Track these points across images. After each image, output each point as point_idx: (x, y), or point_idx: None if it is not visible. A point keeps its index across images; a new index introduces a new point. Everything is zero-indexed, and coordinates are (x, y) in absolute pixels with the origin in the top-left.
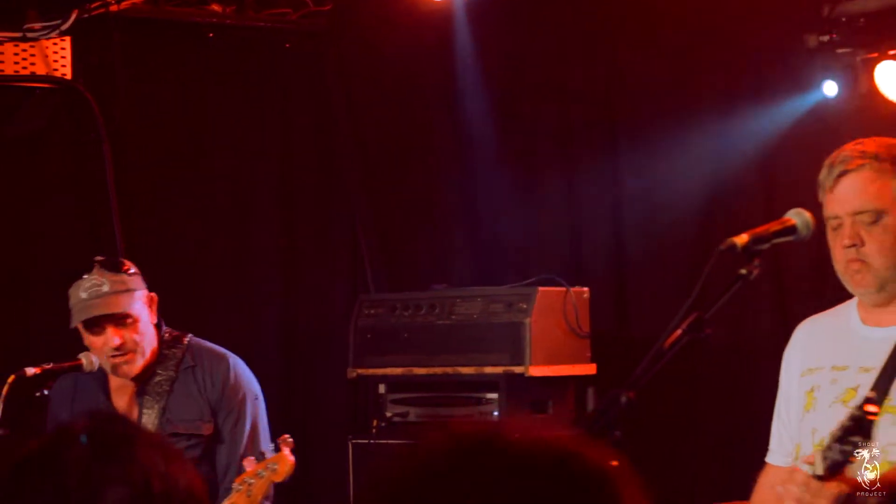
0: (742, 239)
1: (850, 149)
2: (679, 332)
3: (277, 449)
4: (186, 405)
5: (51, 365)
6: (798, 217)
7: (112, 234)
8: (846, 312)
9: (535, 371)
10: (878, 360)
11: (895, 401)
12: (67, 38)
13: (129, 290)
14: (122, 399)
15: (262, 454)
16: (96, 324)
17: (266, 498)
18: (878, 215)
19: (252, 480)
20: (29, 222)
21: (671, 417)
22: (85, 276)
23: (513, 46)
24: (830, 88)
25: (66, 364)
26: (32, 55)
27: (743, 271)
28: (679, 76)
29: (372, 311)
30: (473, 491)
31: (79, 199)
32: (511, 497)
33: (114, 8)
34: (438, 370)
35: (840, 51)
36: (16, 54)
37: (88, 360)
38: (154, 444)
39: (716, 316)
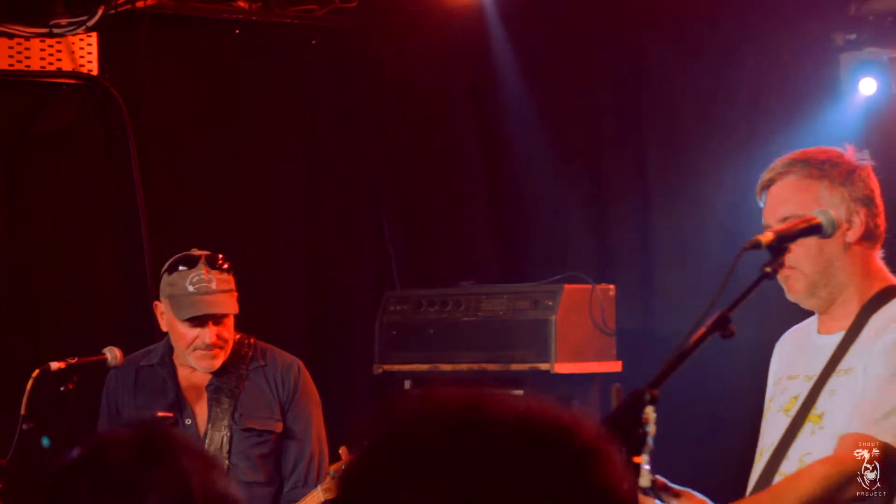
0: (767, 237)
1: (780, 158)
2: (703, 330)
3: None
4: (258, 403)
5: (75, 360)
6: (823, 216)
7: (138, 230)
8: (812, 321)
9: (561, 368)
10: (819, 368)
11: (819, 409)
12: (94, 34)
13: (231, 290)
14: (191, 391)
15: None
16: (200, 319)
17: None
18: None
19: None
20: (55, 218)
21: (697, 416)
22: (181, 268)
23: (541, 41)
24: (868, 87)
25: (91, 359)
26: (59, 51)
27: (768, 269)
28: (706, 73)
29: (398, 308)
30: (457, 458)
31: (105, 195)
32: (489, 467)
33: (140, 4)
34: (464, 367)
35: (867, 49)
36: (42, 50)
37: (113, 355)
38: (194, 452)
39: (741, 314)
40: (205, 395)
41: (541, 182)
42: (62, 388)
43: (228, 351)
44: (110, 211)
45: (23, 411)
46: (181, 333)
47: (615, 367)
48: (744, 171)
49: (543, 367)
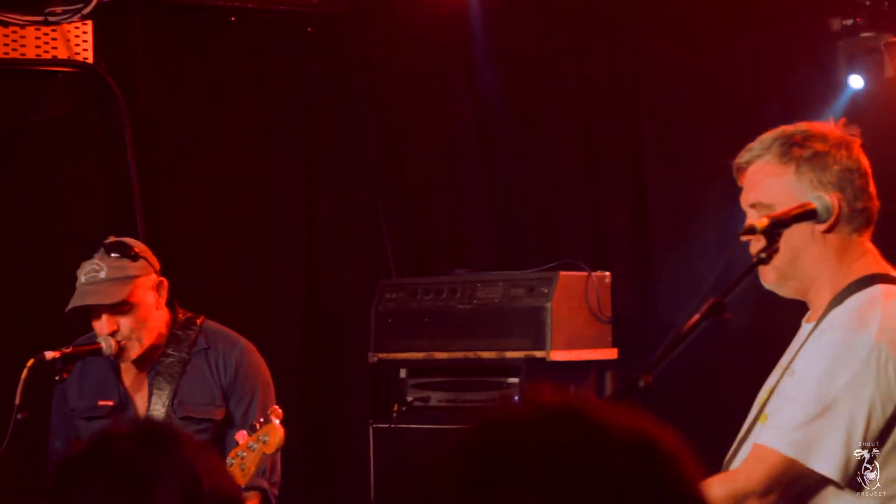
0: (762, 223)
1: (760, 137)
2: (698, 316)
3: (267, 420)
4: (198, 388)
5: (70, 349)
6: (818, 201)
7: (133, 217)
8: None
9: (557, 356)
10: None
11: (768, 408)
12: (89, 22)
13: (128, 277)
14: (131, 379)
15: (254, 427)
16: (91, 309)
17: (262, 471)
18: (767, 209)
19: (244, 454)
20: (50, 207)
21: (694, 404)
22: (93, 257)
23: (538, 27)
24: (856, 81)
25: (86, 348)
26: (54, 39)
27: (763, 255)
28: (704, 60)
29: (393, 296)
30: (556, 462)
31: (101, 183)
32: (592, 474)
33: None
34: (459, 355)
35: (864, 34)
36: (37, 38)
37: (108, 344)
38: (197, 444)
39: (737, 300)
40: (146, 382)
41: (536, 169)
42: (57, 378)
43: (147, 340)
44: (106, 199)
45: (17, 401)
46: (92, 326)
47: (611, 354)
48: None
49: (539, 354)
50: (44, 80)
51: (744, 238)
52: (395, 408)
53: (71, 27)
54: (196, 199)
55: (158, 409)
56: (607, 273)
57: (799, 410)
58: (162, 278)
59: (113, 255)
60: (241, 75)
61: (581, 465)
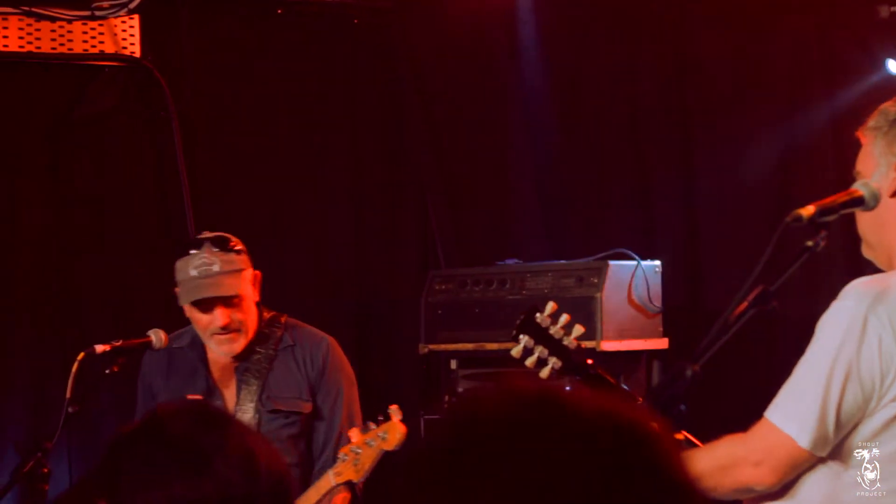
0: (808, 210)
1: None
2: (744, 305)
3: (387, 418)
4: (286, 383)
5: (120, 342)
6: (865, 188)
7: (182, 210)
8: None
9: (607, 346)
10: None
11: None
12: (136, 16)
13: (238, 270)
14: (222, 375)
15: (368, 425)
16: (205, 303)
17: (374, 465)
18: (858, 175)
19: (360, 450)
20: (98, 201)
21: (743, 392)
22: (192, 252)
23: (581, 19)
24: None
25: (136, 341)
26: (101, 34)
27: (809, 243)
28: (750, 47)
29: (443, 287)
30: (529, 445)
31: (148, 177)
32: (566, 458)
33: None
34: (509, 345)
35: None
36: (84, 33)
37: (158, 338)
38: (245, 425)
39: (785, 289)
40: (234, 377)
41: (585, 158)
42: (107, 371)
43: (250, 333)
44: (154, 192)
45: (68, 394)
46: (195, 318)
47: (661, 343)
48: (790, 139)
49: (589, 344)
50: (91, 75)
51: (789, 223)
52: (446, 399)
53: (118, 21)
54: (244, 191)
55: (247, 404)
56: (657, 262)
57: (788, 382)
58: (257, 272)
59: (220, 248)
60: (288, 68)
61: (556, 447)
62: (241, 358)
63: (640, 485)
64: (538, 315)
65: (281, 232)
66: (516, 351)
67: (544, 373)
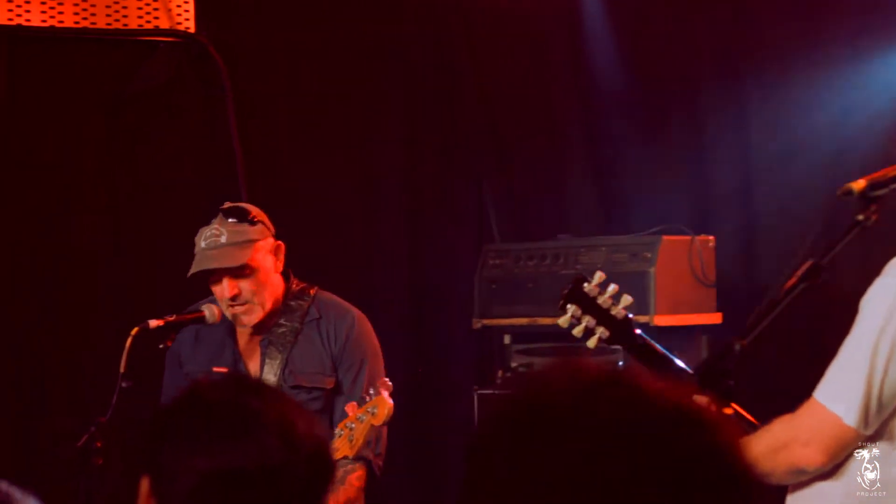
0: (859, 185)
1: None
2: (794, 279)
3: (377, 392)
4: (309, 358)
5: (174, 317)
6: None
7: (237, 187)
8: None
9: (660, 320)
10: None
11: None
12: None
13: (248, 241)
14: (247, 347)
15: (363, 398)
16: (213, 273)
17: (369, 442)
18: None
19: (353, 425)
20: (154, 177)
21: (794, 368)
22: (211, 223)
23: None
24: None
25: (189, 316)
26: (156, 9)
27: (860, 218)
28: (807, 22)
29: (497, 262)
30: (592, 428)
31: (203, 153)
32: (629, 438)
33: None
34: None
35: None
36: (139, 9)
37: (211, 312)
38: (284, 395)
39: (836, 263)
40: (259, 350)
41: (638, 132)
42: (161, 346)
43: (268, 304)
44: (209, 169)
45: (122, 369)
46: (212, 291)
47: (715, 318)
48: (848, 113)
49: (642, 319)
50: (146, 51)
51: (839, 198)
52: (500, 373)
53: None
54: (298, 167)
55: (270, 378)
56: (711, 237)
57: (837, 355)
58: (279, 242)
59: (231, 219)
60: (343, 45)
61: (622, 430)
62: (266, 330)
63: (701, 471)
64: (586, 285)
65: (335, 208)
66: (563, 320)
67: (591, 342)
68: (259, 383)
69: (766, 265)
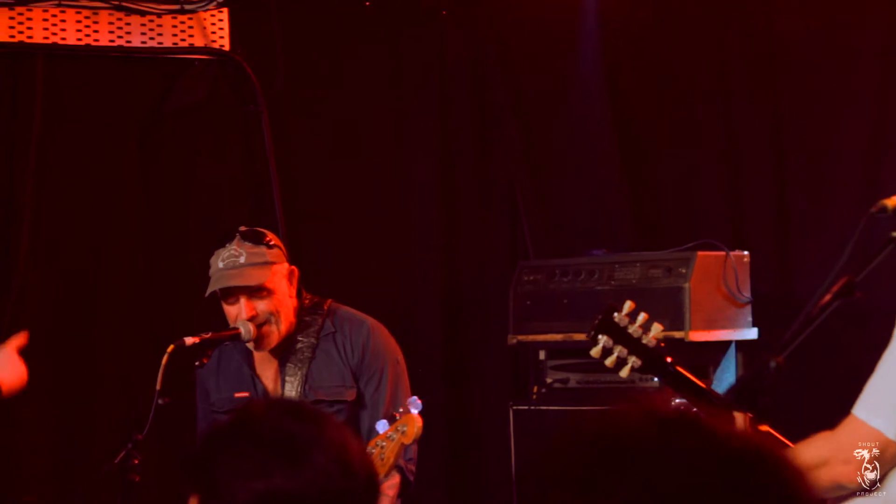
0: (893, 201)
1: None
2: (829, 296)
3: (406, 411)
4: (328, 372)
5: (209, 334)
6: None
7: (272, 204)
8: None
9: (696, 336)
10: None
11: None
12: (225, 10)
13: (266, 263)
14: (265, 369)
15: (394, 416)
16: (230, 294)
17: (399, 459)
18: None
19: (384, 444)
20: (189, 194)
21: (830, 384)
22: (227, 245)
23: (671, 5)
24: None
25: (225, 333)
26: (191, 27)
27: (895, 234)
28: (839, 27)
29: (531, 278)
30: (665, 468)
31: (238, 170)
32: (702, 480)
33: None
34: None
35: None
36: (174, 27)
37: (246, 329)
38: (334, 418)
39: (870, 280)
40: (277, 369)
41: (673, 148)
42: (197, 363)
43: (283, 327)
44: (243, 185)
45: (158, 386)
46: (225, 312)
47: (751, 334)
48: (884, 126)
49: (678, 335)
50: (181, 68)
51: (874, 214)
52: (535, 389)
53: (207, 15)
54: (333, 184)
55: (291, 395)
56: (746, 252)
57: (875, 371)
58: (293, 267)
59: (249, 242)
60: (377, 60)
61: (692, 472)
62: (282, 350)
63: None
64: (616, 315)
65: (370, 224)
66: (595, 351)
67: (624, 372)
68: (312, 409)
69: (802, 280)
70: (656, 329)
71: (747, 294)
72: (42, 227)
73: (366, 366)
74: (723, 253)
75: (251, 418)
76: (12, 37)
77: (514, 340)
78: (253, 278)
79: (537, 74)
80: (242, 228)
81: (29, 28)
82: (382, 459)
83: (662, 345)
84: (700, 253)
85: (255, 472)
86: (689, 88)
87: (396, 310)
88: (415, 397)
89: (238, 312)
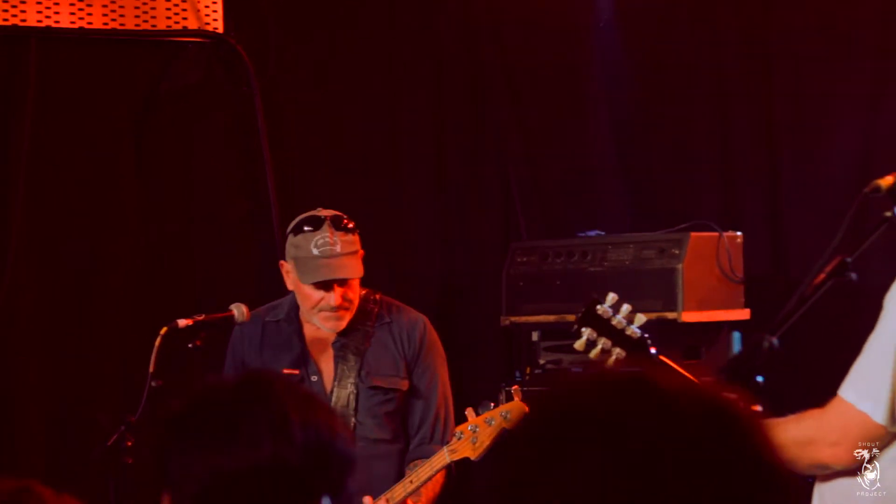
0: (887, 181)
1: None
2: (823, 276)
3: (509, 397)
4: (384, 360)
5: (203, 317)
6: None
7: (265, 187)
8: None
9: (688, 317)
10: None
11: None
12: None
13: (356, 252)
14: (317, 348)
15: (487, 404)
16: (324, 282)
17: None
18: None
19: (477, 427)
20: (183, 176)
21: (823, 364)
22: (307, 229)
23: None
24: None
25: (218, 315)
26: (184, 10)
27: (888, 214)
28: (834, 10)
29: (524, 259)
30: (625, 431)
31: (232, 153)
32: (661, 439)
33: None
34: None
35: None
36: (168, 9)
37: (240, 312)
38: (298, 392)
39: (865, 260)
40: (331, 352)
41: (665, 129)
42: (190, 346)
43: (354, 310)
44: (237, 168)
45: (151, 368)
46: (306, 295)
47: (743, 314)
48: (876, 105)
49: (671, 316)
50: (175, 51)
51: (867, 194)
52: (528, 370)
53: None
54: (326, 166)
55: (346, 380)
56: (739, 233)
57: (862, 352)
58: (362, 251)
59: (340, 228)
60: (371, 44)
61: (650, 429)
62: (340, 333)
63: (734, 468)
64: (599, 307)
65: (363, 205)
66: (579, 344)
67: (609, 364)
68: (266, 378)
69: (795, 261)
70: (639, 320)
71: (740, 275)
72: (36, 211)
73: (422, 360)
74: (716, 234)
75: (203, 398)
76: (6, 20)
77: (507, 322)
78: (354, 270)
79: (531, 56)
80: (328, 213)
81: (22, 11)
82: (475, 443)
83: (646, 335)
84: (693, 234)
85: (197, 457)
86: (683, 70)
87: (389, 290)
88: (518, 387)
89: (324, 298)
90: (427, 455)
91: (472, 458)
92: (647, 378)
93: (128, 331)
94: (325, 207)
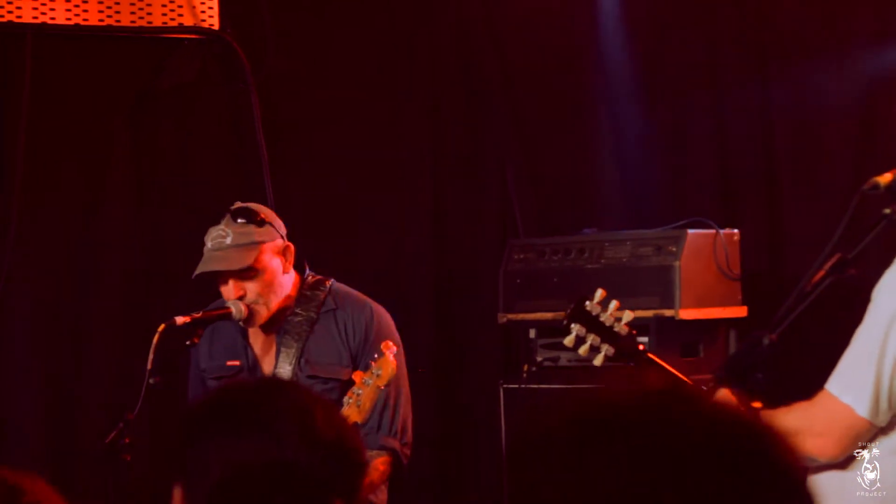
0: (886, 178)
1: None
2: (822, 273)
3: (381, 354)
4: (326, 348)
5: (200, 313)
6: None
7: (262, 183)
8: None
9: (685, 314)
10: None
11: None
12: None
13: (253, 244)
14: (260, 340)
15: (368, 364)
16: (220, 274)
17: (375, 405)
18: None
19: (360, 391)
20: (179, 174)
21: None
22: (219, 223)
23: None
24: None
25: (216, 312)
26: (180, 6)
27: (887, 211)
28: (833, 9)
29: (521, 256)
30: (657, 441)
31: (228, 150)
32: (694, 451)
33: None
34: None
35: None
36: (163, 6)
37: (237, 309)
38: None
39: (863, 256)
40: (273, 340)
41: (663, 127)
42: (188, 343)
43: (273, 305)
44: (233, 165)
45: (149, 366)
46: (220, 290)
47: (740, 312)
48: (873, 104)
49: (668, 313)
50: (170, 48)
51: (866, 191)
52: (525, 368)
53: None
54: (323, 162)
55: (285, 368)
56: (736, 231)
57: (849, 346)
58: (288, 243)
59: (239, 220)
60: (368, 42)
61: (678, 443)
62: (279, 323)
63: (761, 482)
64: (587, 303)
65: (359, 202)
66: (569, 340)
67: (598, 360)
68: (285, 382)
69: (792, 258)
70: (628, 317)
71: (737, 272)
72: (32, 205)
73: (368, 349)
74: (713, 231)
75: (226, 397)
76: (1, 16)
77: (504, 319)
78: (236, 262)
79: (527, 52)
80: (235, 205)
81: (18, 7)
82: (359, 406)
83: (634, 332)
84: (690, 231)
85: (219, 449)
86: (680, 68)
87: (386, 288)
88: (388, 341)
89: (227, 292)
90: (374, 445)
91: (360, 421)
92: (683, 394)
93: (125, 328)
94: (319, 204)
